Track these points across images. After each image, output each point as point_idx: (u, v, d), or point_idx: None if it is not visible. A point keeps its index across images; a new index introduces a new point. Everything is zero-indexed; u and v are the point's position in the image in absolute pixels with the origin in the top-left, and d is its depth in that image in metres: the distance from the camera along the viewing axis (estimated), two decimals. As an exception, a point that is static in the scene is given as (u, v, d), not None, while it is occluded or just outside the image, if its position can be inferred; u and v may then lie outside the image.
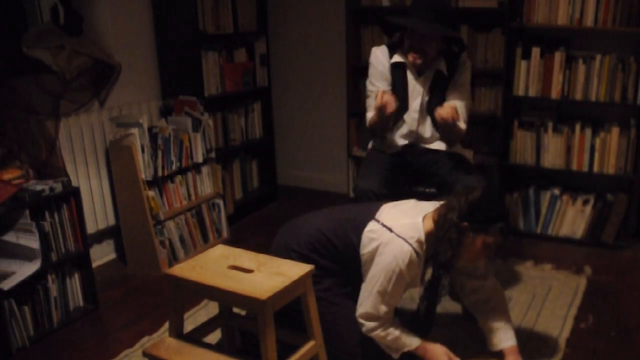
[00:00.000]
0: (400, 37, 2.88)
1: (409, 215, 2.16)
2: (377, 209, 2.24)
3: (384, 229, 2.13)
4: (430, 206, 2.21)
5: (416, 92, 2.83)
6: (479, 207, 2.07)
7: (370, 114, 2.88)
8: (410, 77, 2.83)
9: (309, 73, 4.44)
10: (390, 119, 2.78)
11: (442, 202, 2.18)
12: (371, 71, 2.88)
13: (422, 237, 2.10)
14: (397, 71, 2.84)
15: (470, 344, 2.56)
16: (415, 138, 2.90)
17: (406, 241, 2.08)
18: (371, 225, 2.17)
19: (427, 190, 2.89)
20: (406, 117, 2.86)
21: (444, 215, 2.10)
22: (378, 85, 2.84)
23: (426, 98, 2.84)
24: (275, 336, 1.95)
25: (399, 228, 2.11)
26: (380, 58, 2.86)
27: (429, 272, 2.32)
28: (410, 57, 2.74)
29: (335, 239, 2.25)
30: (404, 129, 2.89)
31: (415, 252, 2.09)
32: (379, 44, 3.02)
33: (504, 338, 2.34)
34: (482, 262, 2.35)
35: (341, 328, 2.27)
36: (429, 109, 2.84)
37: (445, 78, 2.82)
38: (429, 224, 2.13)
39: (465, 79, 2.86)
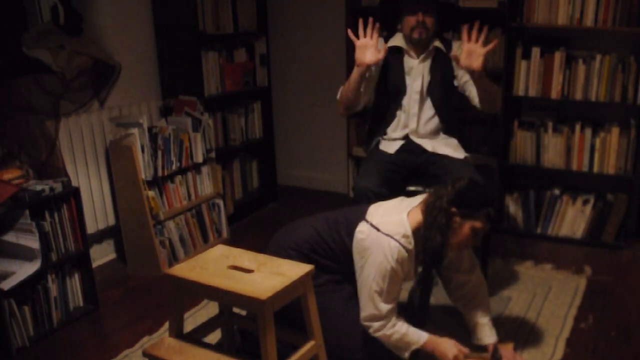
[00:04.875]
0: (393, 29, 2.97)
1: (395, 212, 2.22)
2: (366, 210, 2.29)
3: (372, 228, 2.18)
4: (416, 200, 2.27)
5: (416, 73, 2.91)
6: (466, 194, 2.12)
7: (343, 87, 2.89)
8: (408, 60, 2.92)
9: (309, 73, 4.44)
10: (362, 81, 2.78)
11: (428, 193, 2.23)
12: None
13: (409, 232, 2.15)
14: (393, 55, 2.93)
15: (465, 336, 2.55)
16: (414, 128, 2.94)
17: (393, 238, 2.13)
18: (361, 226, 2.22)
19: (426, 190, 2.90)
20: (405, 101, 2.93)
21: (432, 203, 2.16)
22: None
23: (427, 78, 2.91)
24: (275, 336, 1.95)
25: (385, 226, 2.16)
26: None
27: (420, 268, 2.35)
28: (416, 34, 2.82)
29: (330, 240, 2.30)
30: (401, 119, 2.96)
31: (403, 247, 2.13)
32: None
33: (489, 334, 2.42)
34: (467, 256, 2.40)
35: (340, 322, 2.28)
36: (429, 90, 2.92)
37: (445, 54, 2.91)
38: (417, 216, 2.18)
39: None
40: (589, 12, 3.34)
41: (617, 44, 3.46)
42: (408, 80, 2.93)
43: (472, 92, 2.90)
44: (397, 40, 2.94)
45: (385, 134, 3.00)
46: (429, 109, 2.94)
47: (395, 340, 2.20)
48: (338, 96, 2.95)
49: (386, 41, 2.96)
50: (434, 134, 2.97)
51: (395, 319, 2.21)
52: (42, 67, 2.99)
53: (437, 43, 2.91)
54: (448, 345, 2.23)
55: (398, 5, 2.89)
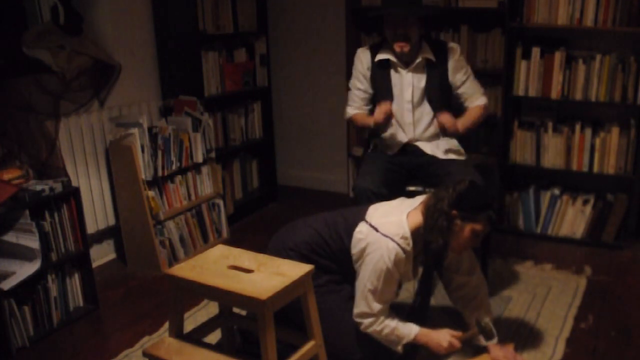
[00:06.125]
0: (382, 38, 2.94)
1: (394, 213, 2.22)
2: (366, 210, 2.29)
3: (371, 229, 2.19)
4: (416, 201, 2.27)
5: (406, 83, 2.89)
6: (467, 196, 2.12)
7: (350, 109, 3.05)
8: (398, 72, 2.89)
9: (309, 73, 4.44)
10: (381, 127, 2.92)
11: (429, 195, 2.23)
12: (353, 71, 3.02)
13: (407, 234, 2.15)
14: (381, 70, 2.91)
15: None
16: (411, 137, 2.94)
17: (391, 239, 2.13)
18: (360, 226, 2.23)
19: (426, 190, 2.90)
20: (397, 111, 2.90)
21: (433, 205, 2.16)
22: (358, 85, 2.99)
23: (422, 85, 2.88)
24: (275, 336, 1.95)
25: (384, 227, 2.17)
26: (361, 59, 2.97)
27: (420, 269, 2.35)
28: (397, 47, 2.79)
29: (330, 240, 2.31)
30: (398, 129, 2.94)
31: (402, 248, 2.13)
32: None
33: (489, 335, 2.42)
34: (467, 257, 2.40)
35: (340, 322, 2.29)
36: (427, 96, 2.89)
37: (434, 64, 2.87)
38: (417, 218, 2.19)
39: (463, 61, 2.93)
40: (589, 12, 3.34)
41: (617, 44, 3.46)
42: (395, 91, 2.90)
43: (464, 96, 2.92)
44: (386, 52, 2.88)
45: (383, 140, 3.00)
46: (425, 115, 2.92)
47: (386, 334, 2.23)
48: (347, 117, 3.07)
49: (374, 52, 2.92)
50: (434, 138, 2.96)
51: (385, 318, 2.23)
52: (42, 67, 2.99)
53: (426, 54, 2.84)
54: (441, 335, 2.25)
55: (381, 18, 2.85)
